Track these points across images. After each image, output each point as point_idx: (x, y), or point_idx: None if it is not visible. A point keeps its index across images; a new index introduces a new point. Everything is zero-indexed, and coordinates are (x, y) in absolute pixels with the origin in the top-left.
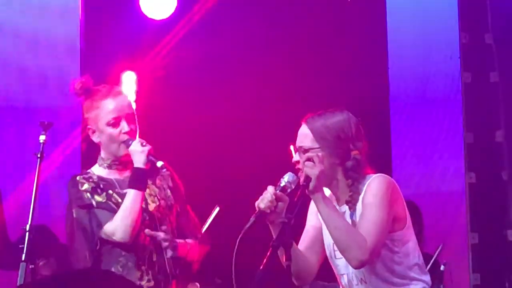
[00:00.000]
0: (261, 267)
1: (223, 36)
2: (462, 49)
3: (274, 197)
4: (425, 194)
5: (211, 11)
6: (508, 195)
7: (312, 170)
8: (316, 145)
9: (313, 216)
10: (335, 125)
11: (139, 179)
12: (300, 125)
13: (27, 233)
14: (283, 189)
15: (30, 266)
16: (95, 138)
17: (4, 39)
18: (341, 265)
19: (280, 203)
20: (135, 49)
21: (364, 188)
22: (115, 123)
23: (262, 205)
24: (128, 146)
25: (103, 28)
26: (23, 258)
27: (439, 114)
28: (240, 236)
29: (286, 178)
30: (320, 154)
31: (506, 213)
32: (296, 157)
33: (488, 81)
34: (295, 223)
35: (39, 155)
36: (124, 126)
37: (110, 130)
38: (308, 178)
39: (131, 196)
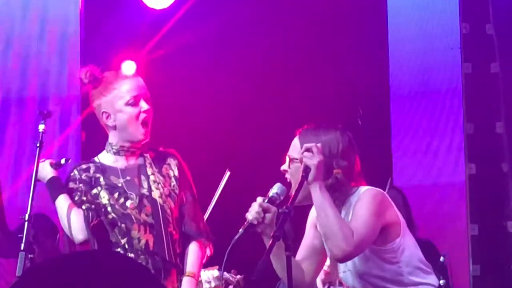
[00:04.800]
0: (263, 258)
1: (223, 26)
2: (463, 40)
3: (261, 208)
4: (425, 185)
5: (211, 0)
6: (508, 186)
7: (311, 160)
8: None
9: (312, 227)
10: (322, 143)
11: (51, 191)
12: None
13: (25, 223)
14: (271, 200)
15: (29, 256)
16: (110, 122)
17: (2, 28)
18: (343, 278)
19: (267, 214)
20: (135, 39)
21: (355, 200)
22: (134, 102)
23: (250, 217)
24: (55, 169)
25: (104, 18)
26: (22, 248)
27: (440, 105)
28: (229, 247)
29: (275, 189)
30: (319, 144)
31: (506, 204)
32: (285, 166)
33: (488, 72)
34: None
35: (38, 144)
36: (143, 105)
37: (130, 109)
38: (307, 169)
39: (57, 206)
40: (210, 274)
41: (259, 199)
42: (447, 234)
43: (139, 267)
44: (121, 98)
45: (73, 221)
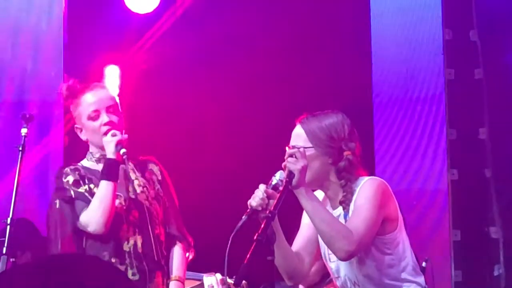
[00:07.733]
0: (245, 261)
1: (207, 30)
2: (446, 46)
3: (265, 194)
4: (407, 191)
5: (195, 5)
6: (491, 192)
7: (294, 165)
8: (309, 145)
9: (307, 218)
10: (328, 125)
11: (109, 170)
12: (293, 125)
13: (8, 226)
14: (275, 187)
15: (11, 259)
16: (83, 136)
17: None
18: (334, 268)
19: (271, 201)
20: (119, 43)
21: (357, 190)
22: (95, 116)
23: (253, 203)
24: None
25: (87, 22)
26: (4, 251)
27: (422, 111)
28: (232, 235)
29: (278, 175)
30: (302, 149)
31: (489, 210)
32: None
33: (472, 78)
34: (285, 221)
35: (20, 148)
36: (104, 118)
37: (92, 123)
38: (291, 174)
39: (102, 187)
40: (213, 279)
41: (262, 186)
42: (429, 239)
43: (114, 270)
44: (83, 113)
45: (104, 211)
